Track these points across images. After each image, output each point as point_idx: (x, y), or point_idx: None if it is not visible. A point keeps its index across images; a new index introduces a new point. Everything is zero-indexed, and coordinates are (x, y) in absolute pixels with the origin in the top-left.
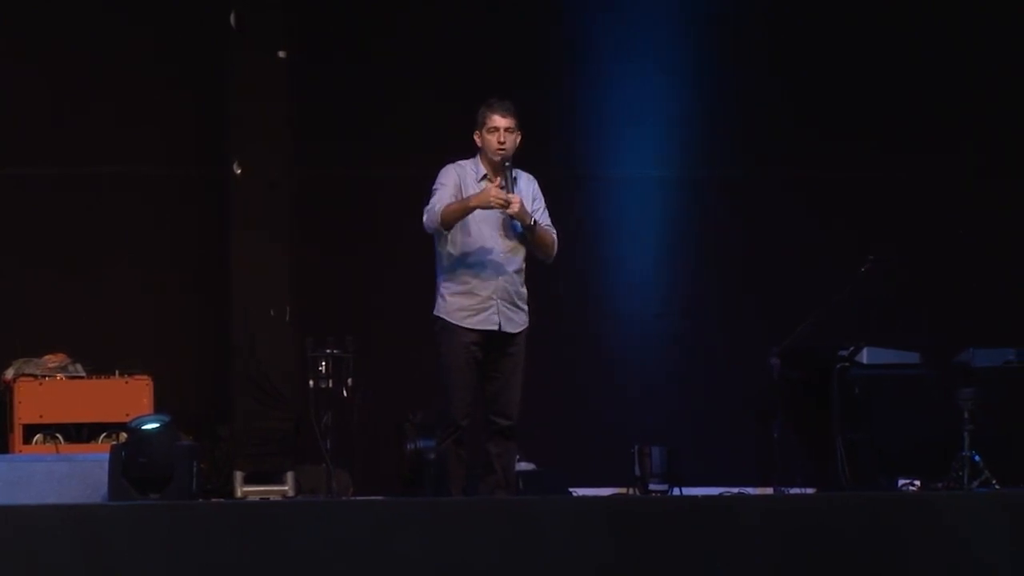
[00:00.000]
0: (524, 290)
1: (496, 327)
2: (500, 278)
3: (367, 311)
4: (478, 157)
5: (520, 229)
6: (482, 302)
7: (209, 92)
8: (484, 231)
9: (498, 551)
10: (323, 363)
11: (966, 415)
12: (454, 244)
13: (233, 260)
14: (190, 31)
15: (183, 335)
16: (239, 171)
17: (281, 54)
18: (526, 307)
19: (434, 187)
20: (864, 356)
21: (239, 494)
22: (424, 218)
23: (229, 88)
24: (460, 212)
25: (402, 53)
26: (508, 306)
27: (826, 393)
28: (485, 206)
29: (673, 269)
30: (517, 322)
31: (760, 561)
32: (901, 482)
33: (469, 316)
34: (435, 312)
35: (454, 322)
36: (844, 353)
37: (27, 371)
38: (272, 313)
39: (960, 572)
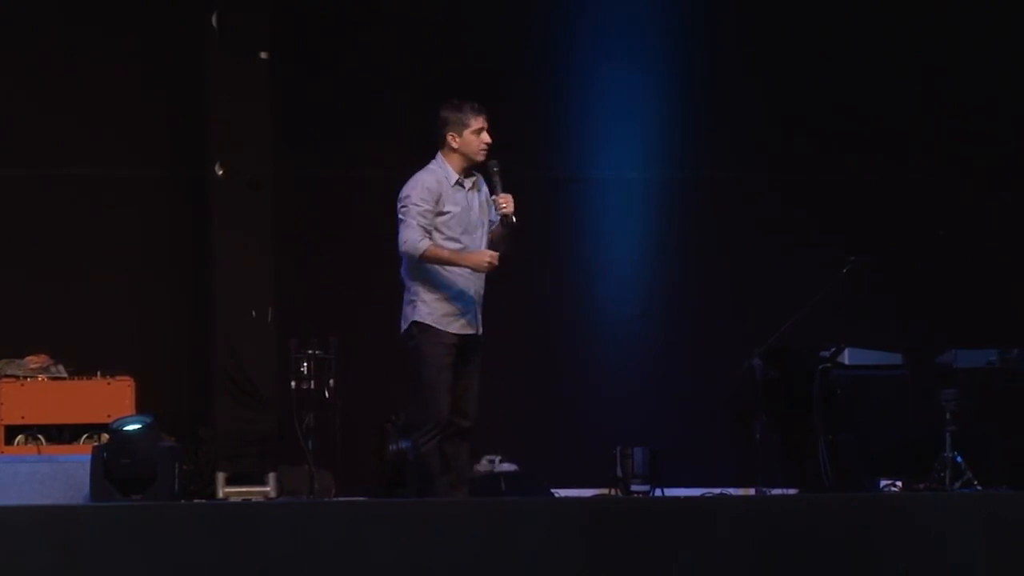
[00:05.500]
0: None
1: (475, 331)
2: (478, 282)
3: (349, 312)
4: (443, 160)
5: (499, 225)
6: (464, 306)
7: (191, 93)
8: (466, 239)
9: (480, 552)
10: (305, 364)
11: (948, 416)
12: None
13: (215, 261)
14: (172, 32)
15: (165, 336)
16: (221, 172)
17: (263, 55)
18: None
19: (413, 203)
20: (846, 357)
21: (221, 495)
22: (403, 245)
23: (211, 89)
24: (445, 263)
25: (383, 54)
26: (479, 308)
27: (808, 394)
28: (476, 268)
29: (655, 270)
30: (481, 323)
31: (742, 562)
32: (883, 483)
33: (453, 320)
34: (413, 318)
35: (439, 327)
36: (826, 354)
37: (9, 372)
38: (254, 314)
39: (941, 573)
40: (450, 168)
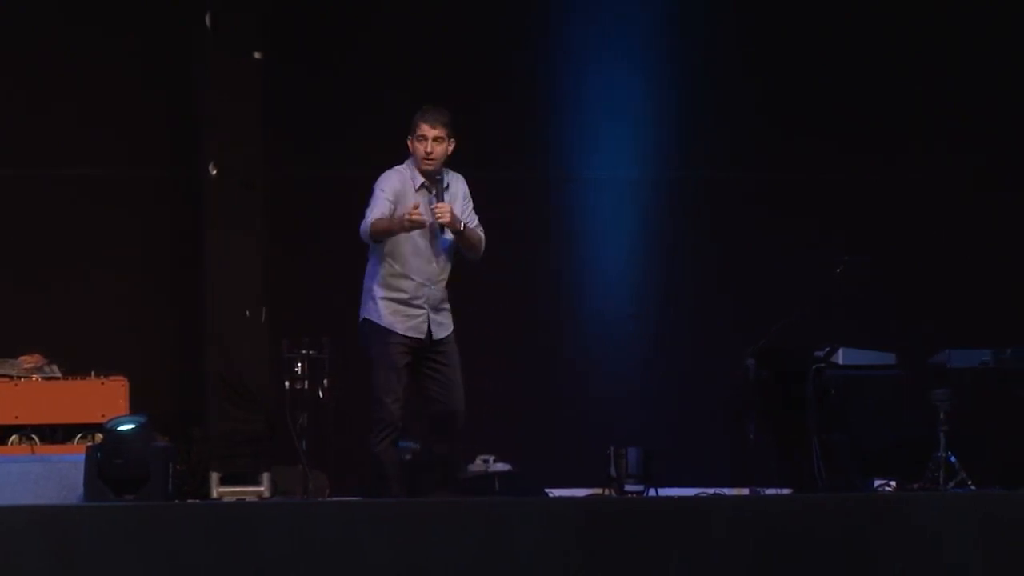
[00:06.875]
0: (446, 292)
1: (424, 335)
2: (433, 287)
3: (342, 312)
4: (411, 162)
5: (451, 236)
6: (414, 311)
7: (184, 93)
8: (422, 242)
9: (475, 552)
10: (299, 364)
11: (942, 416)
12: (393, 253)
13: (208, 261)
14: (165, 32)
15: (159, 337)
16: (214, 172)
17: (257, 55)
18: (448, 307)
19: (373, 194)
20: (840, 357)
21: (215, 495)
22: (360, 227)
23: (204, 89)
24: (387, 232)
25: (377, 54)
26: (436, 313)
27: (802, 394)
28: (400, 230)
29: (648, 270)
30: (446, 324)
31: (736, 562)
32: (877, 483)
33: (402, 322)
34: (364, 315)
35: (386, 326)
36: (820, 354)
37: (3, 372)
38: (247, 314)
39: (935, 572)
40: (416, 171)
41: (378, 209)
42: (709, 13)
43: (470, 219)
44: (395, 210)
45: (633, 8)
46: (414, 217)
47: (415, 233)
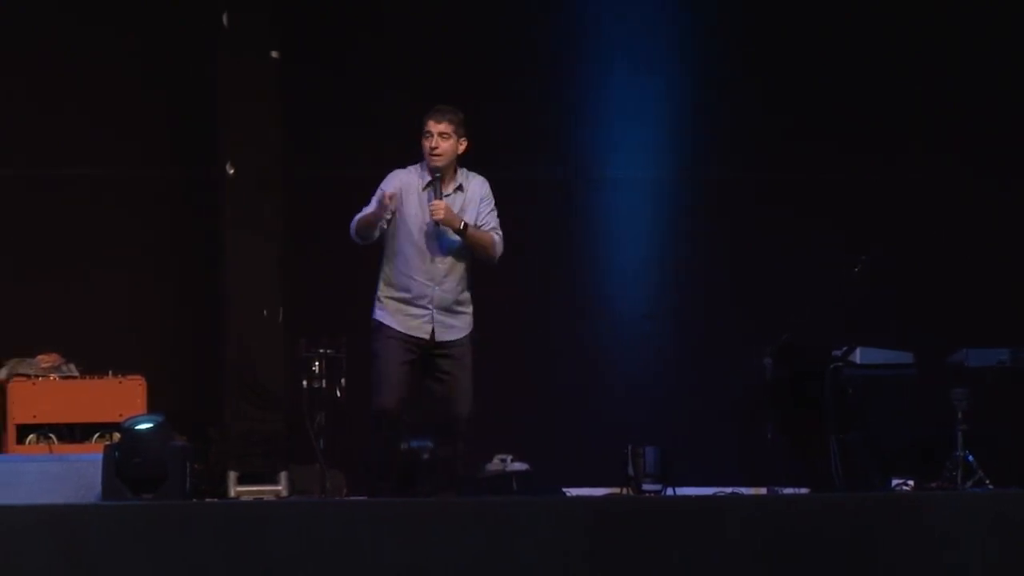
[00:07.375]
0: (465, 295)
1: (428, 336)
2: (438, 288)
3: (360, 311)
4: (425, 163)
5: (453, 236)
6: (418, 311)
7: (201, 92)
8: (425, 242)
9: (484, 552)
10: (316, 363)
11: (959, 415)
12: (395, 254)
13: (226, 261)
14: (174, 32)
15: (176, 336)
16: (232, 172)
17: (274, 54)
18: (468, 310)
19: (379, 189)
20: (857, 356)
21: (233, 494)
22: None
23: (221, 88)
24: (368, 224)
25: (394, 54)
26: (445, 314)
27: (819, 393)
28: (374, 215)
29: (664, 270)
30: (458, 327)
31: (752, 562)
32: (895, 482)
33: (403, 321)
34: (373, 315)
35: (388, 323)
36: (837, 353)
37: (20, 371)
38: (265, 313)
39: (953, 572)
40: (427, 171)
41: (367, 208)
42: (713, 14)
43: (486, 222)
44: (394, 214)
45: (638, 8)
46: (384, 200)
47: (415, 233)
